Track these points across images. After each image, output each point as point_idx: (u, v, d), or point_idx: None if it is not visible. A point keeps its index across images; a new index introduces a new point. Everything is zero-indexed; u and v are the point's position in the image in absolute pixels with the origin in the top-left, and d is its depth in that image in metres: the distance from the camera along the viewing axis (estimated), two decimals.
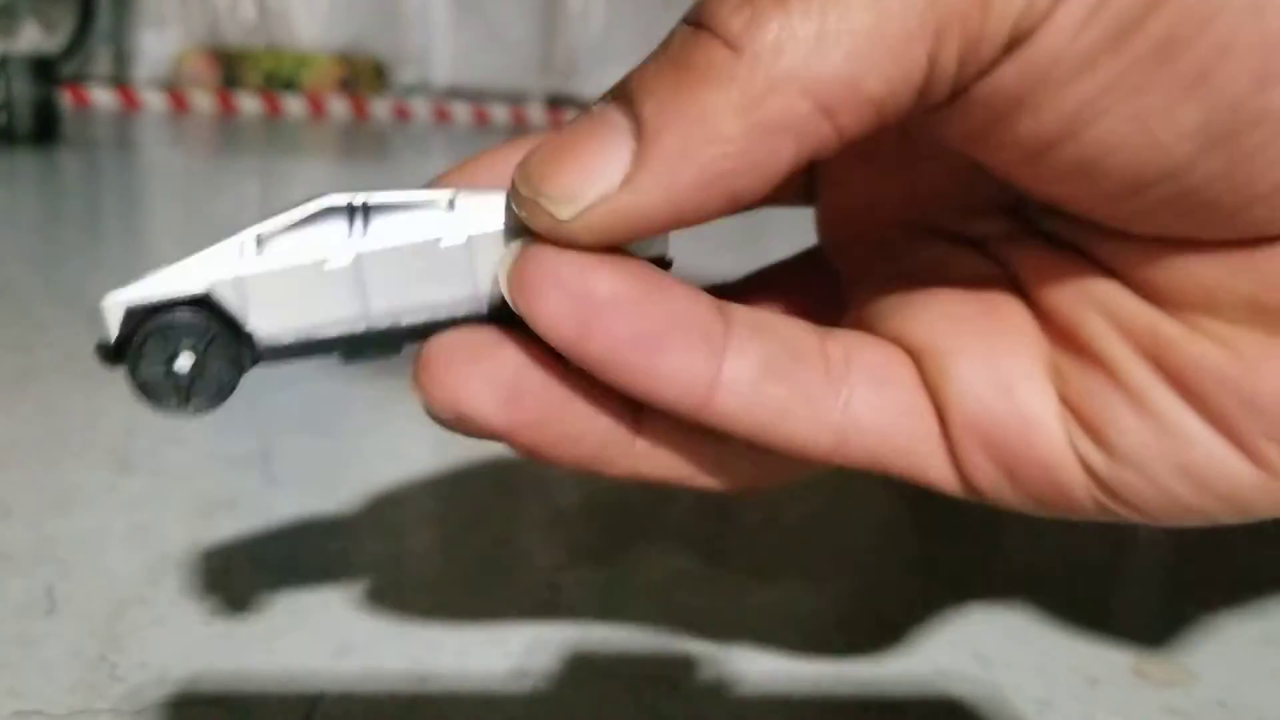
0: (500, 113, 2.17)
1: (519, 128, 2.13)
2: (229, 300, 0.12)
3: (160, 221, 0.80)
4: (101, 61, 1.96)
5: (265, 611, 0.23)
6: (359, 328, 0.12)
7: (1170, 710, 0.21)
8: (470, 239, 0.11)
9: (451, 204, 0.11)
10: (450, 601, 0.24)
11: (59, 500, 0.28)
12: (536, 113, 2.22)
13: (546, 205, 0.11)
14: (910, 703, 0.21)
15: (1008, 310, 0.14)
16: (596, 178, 0.11)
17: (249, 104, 1.98)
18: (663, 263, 0.13)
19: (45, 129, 1.13)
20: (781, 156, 0.11)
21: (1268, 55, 0.10)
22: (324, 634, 0.22)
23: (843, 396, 0.13)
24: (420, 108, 2.12)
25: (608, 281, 0.12)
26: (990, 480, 0.13)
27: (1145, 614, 0.25)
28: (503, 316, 0.12)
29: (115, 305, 0.12)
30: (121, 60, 2.00)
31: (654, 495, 0.29)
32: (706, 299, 0.13)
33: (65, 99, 1.46)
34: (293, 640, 0.22)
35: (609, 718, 0.20)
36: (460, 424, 0.12)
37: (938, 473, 0.14)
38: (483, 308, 0.12)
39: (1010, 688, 0.22)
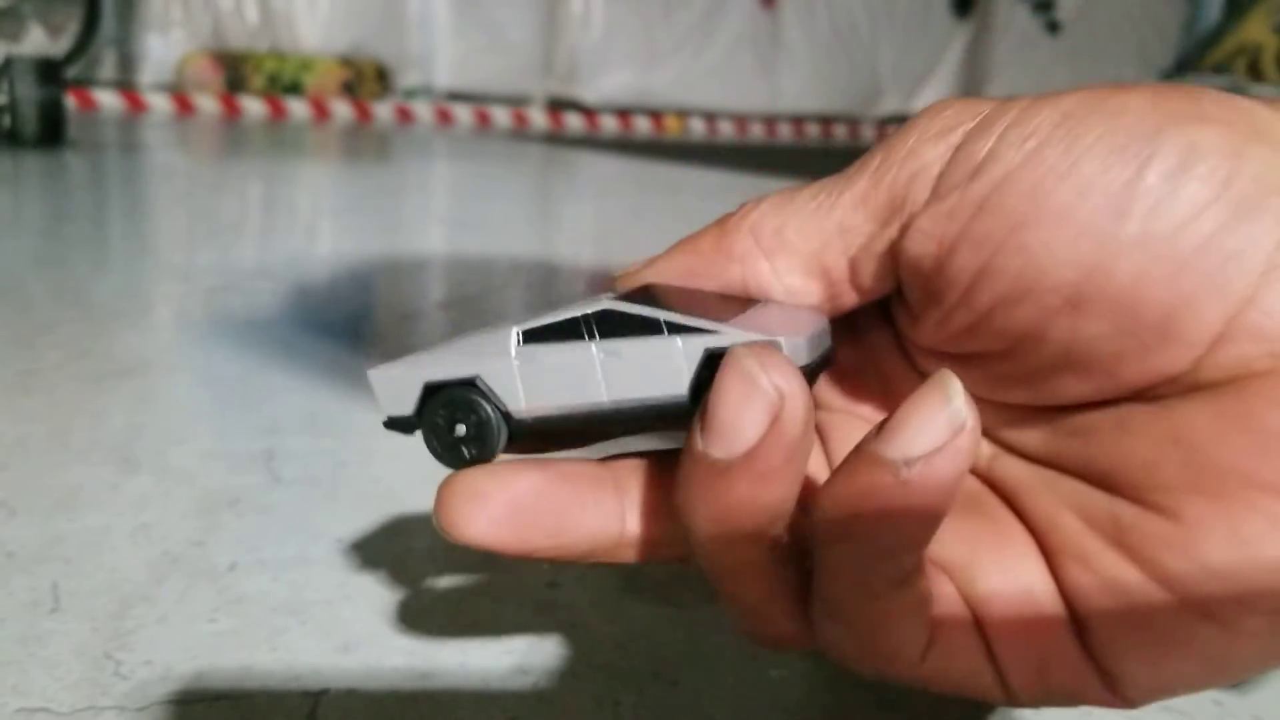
0: (502, 115, 2.18)
1: (520, 130, 2.13)
2: (494, 384, 0.15)
3: (165, 223, 0.81)
4: (106, 65, 1.97)
5: (268, 609, 0.23)
6: (594, 412, 0.15)
7: (1166, 709, 0.21)
8: (682, 352, 0.15)
9: (667, 325, 0.15)
10: (452, 599, 0.24)
11: (64, 499, 0.28)
12: (538, 115, 2.23)
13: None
14: (909, 701, 0.21)
15: (1004, 519, 0.16)
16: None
17: (253, 107, 1.98)
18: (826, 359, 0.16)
19: (51, 131, 1.13)
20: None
21: (1025, 206, 0.13)
22: (327, 631, 0.22)
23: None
24: (422, 110, 2.12)
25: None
26: (1027, 688, 0.15)
27: None
28: (691, 410, 0.15)
29: (412, 380, 0.16)
30: (126, 63, 2.00)
31: None
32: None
33: (71, 102, 1.47)
34: (296, 637, 0.22)
35: (609, 716, 0.20)
36: (474, 547, 0.15)
37: (996, 693, 0.15)
38: (684, 401, 0.15)
39: None
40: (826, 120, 2.65)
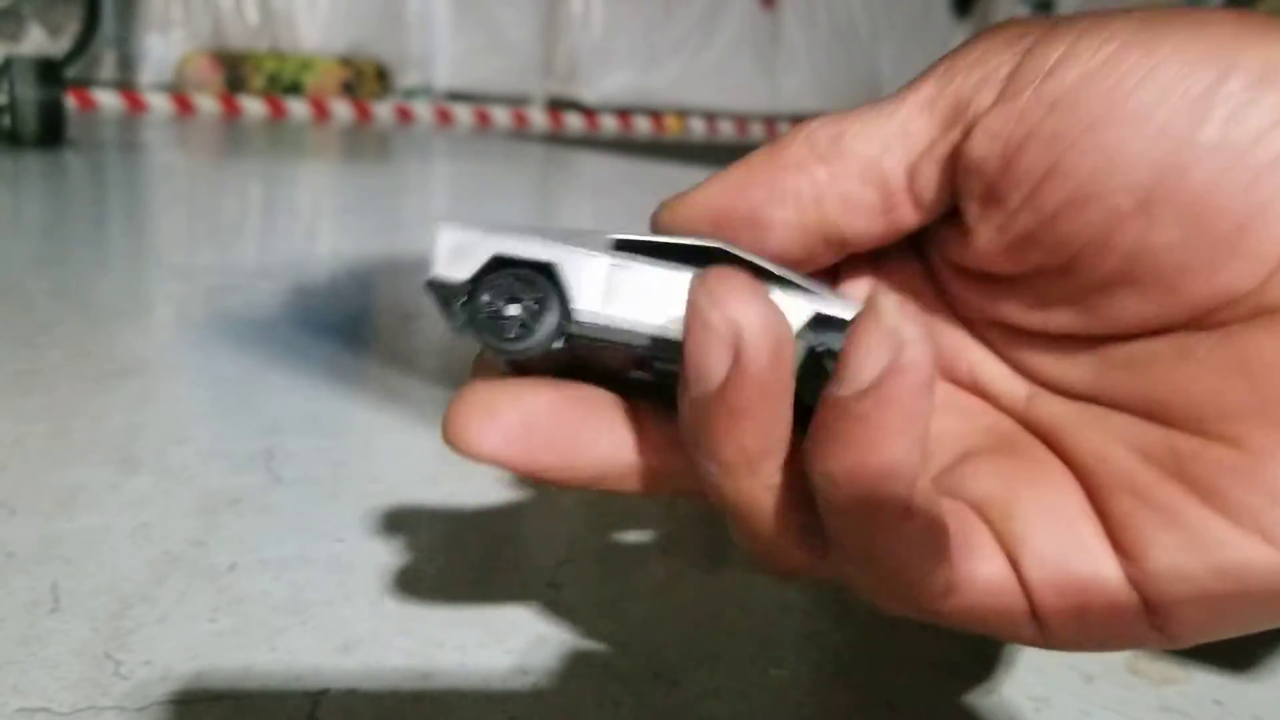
0: (501, 115, 2.18)
1: (520, 130, 2.13)
2: (572, 277, 0.14)
3: (165, 223, 0.81)
4: (106, 65, 1.97)
5: (269, 609, 0.23)
6: (659, 339, 0.14)
7: (1166, 708, 0.21)
8: (791, 303, 0.14)
9: (778, 279, 0.14)
10: (452, 599, 0.24)
11: (64, 499, 0.28)
12: (538, 115, 2.23)
13: None
14: (908, 700, 0.21)
15: (1043, 457, 0.15)
16: None
17: (253, 107, 1.98)
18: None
19: (51, 132, 1.13)
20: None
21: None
22: (327, 631, 0.22)
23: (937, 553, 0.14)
24: (422, 110, 2.12)
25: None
26: (1064, 625, 0.14)
27: None
28: None
29: (483, 247, 0.14)
30: (126, 63, 2.00)
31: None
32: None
33: (70, 102, 1.47)
34: (296, 637, 0.22)
35: (609, 716, 0.20)
36: (483, 463, 0.14)
37: (1027, 632, 0.15)
38: None
39: (1008, 685, 0.22)
40: None
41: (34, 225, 0.72)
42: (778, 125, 2.57)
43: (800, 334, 0.14)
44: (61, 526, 0.26)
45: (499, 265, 0.14)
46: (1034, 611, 0.14)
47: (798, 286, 0.14)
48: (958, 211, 0.15)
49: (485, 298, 0.14)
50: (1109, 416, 0.15)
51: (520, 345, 0.14)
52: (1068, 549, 0.14)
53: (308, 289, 0.57)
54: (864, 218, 0.15)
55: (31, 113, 1.11)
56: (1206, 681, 0.22)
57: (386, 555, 0.26)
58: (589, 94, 2.31)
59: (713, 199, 0.16)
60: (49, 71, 1.15)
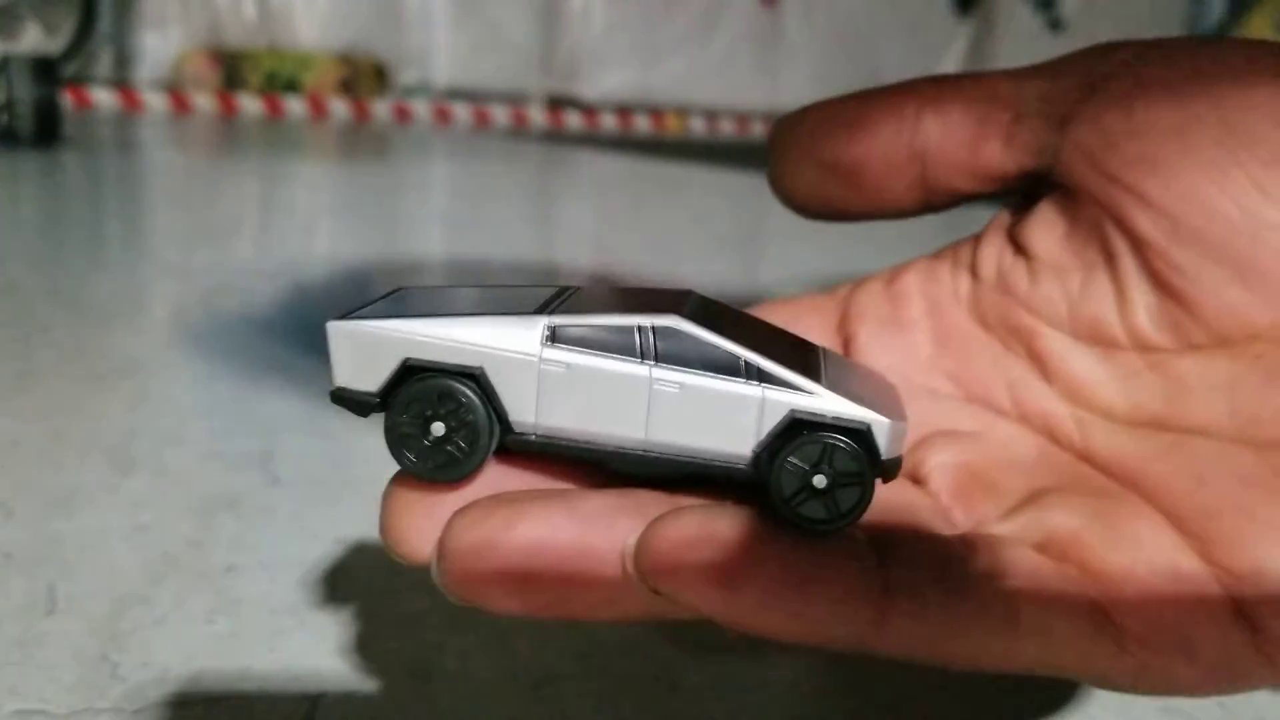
0: (501, 113, 2.17)
1: (519, 129, 2.13)
2: (502, 385, 0.12)
3: (162, 222, 0.81)
4: (103, 62, 1.97)
5: (266, 611, 0.23)
6: (621, 452, 0.12)
7: (1168, 710, 0.21)
8: (761, 407, 0.12)
9: (747, 367, 0.12)
10: (451, 601, 0.24)
11: (60, 500, 0.28)
12: (537, 114, 2.22)
13: None
14: (909, 702, 0.21)
15: (1115, 491, 0.14)
16: None
17: (250, 105, 1.98)
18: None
19: (47, 130, 1.13)
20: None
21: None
22: (325, 634, 0.22)
23: (1009, 611, 0.13)
24: (421, 109, 2.12)
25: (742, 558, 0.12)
26: (1163, 663, 0.13)
27: None
28: (757, 480, 0.12)
29: (390, 351, 0.12)
30: (123, 61, 2.00)
31: None
32: (859, 545, 0.13)
33: (67, 100, 1.47)
34: (293, 640, 0.22)
35: (609, 717, 0.20)
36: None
37: (1108, 665, 0.13)
38: (744, 466, 0.12)
39: (1009, 686, 0.22)
40: None
41: (30, 224, 0.72)
42: None
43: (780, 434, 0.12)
44: (58, 527, 0.26)
45: (411, 373, 0.12)
46: (1118, 639, 0.13)
47: (778, 381, 0.12)
48: (1042, 184, 0.15)
49: (401, 417, 0.12)
50: (1192, 444, 0.13)
51: (448, 474, 0.12)
52: (1164, 575, 0.13)
53: (305, 289, 0.57)
54: (957, 140, 0.15)
55: (28, 111, 1.11)
56: None
57: (385, 556, 0.26)
58: (589, 91, 2.31)
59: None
60: (45, 69, 1.14)
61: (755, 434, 0.12)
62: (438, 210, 1.01)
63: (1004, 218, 0.16)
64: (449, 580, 0.12)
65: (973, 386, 0.16)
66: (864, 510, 0.12)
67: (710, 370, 0.12)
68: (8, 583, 0.23)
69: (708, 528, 0.12)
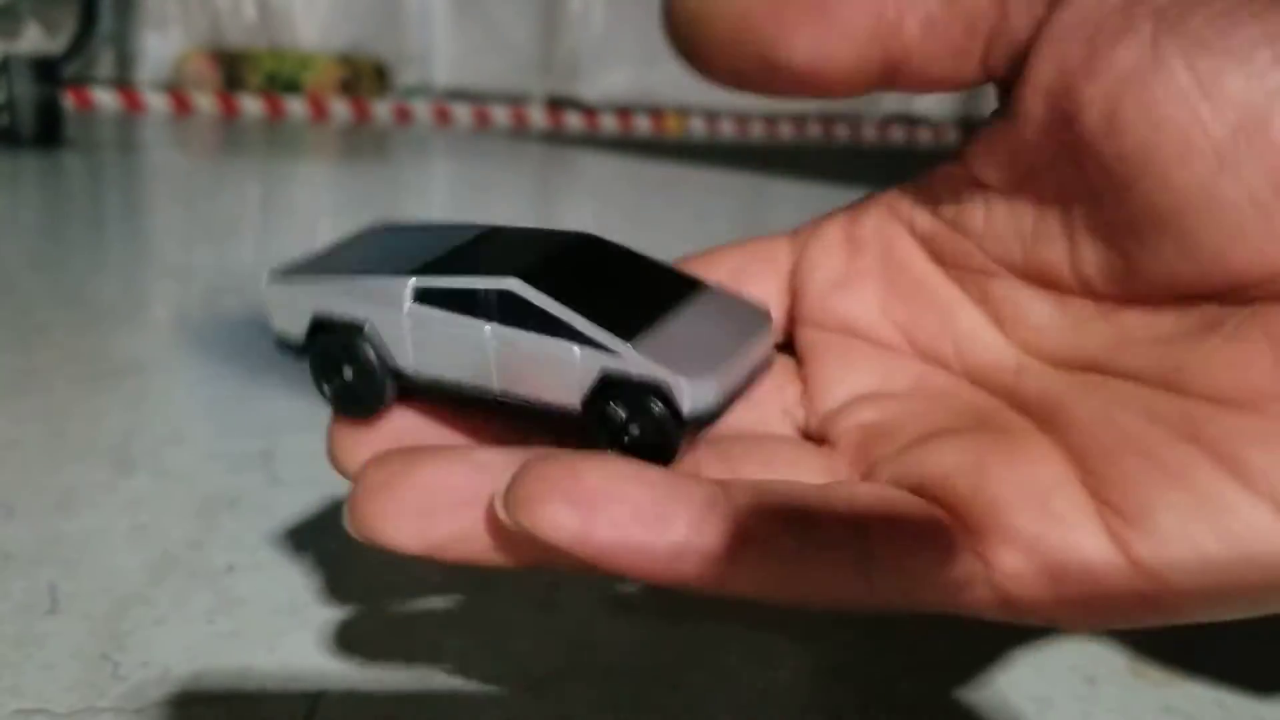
0: (501, 114, 2.17)
1: (520, 129, 2.13)
2: (384, 335, 0.14)
3: (162, 222, 0.81)
4: (104, 63, 1.97)
5: (267, 610, 0.23)
6: (484, 395, 0.14)
7: (1168, 709, 0.21)
8: (579, 365, 0.14)
9: (568, 330, 0.13)
10: (451, 600, 0.24)
11: (61, 500, 0.28)
12: (537, 114, 2.22)
13: None
14: (910, 700, 0.21)
15: (1022, 431, 0.14)
16: None
17: (251, 105, 1.98)
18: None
19: (48, 130, 1.13)
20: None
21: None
22: (325, 633, 0.22)
23: (862, 550, 0.13)
24: (421, 109, 2.12)
25: (605, 490, 0.13)
26: (1034, 598, 0.13)
27: None
28: (586, 419, 0.14)
29: (305, 305, 0.15)
30: (124, 62, 2.00)
31: None
32: (707, 483, 0.13)
33: (68, 100, 1.47)
34: (294, 639, 0.22)
35: (609, 717, 0.20)
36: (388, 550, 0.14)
37: (975, 598, 0.13)
38: (577, 411, 0.14)
39: (1009, 686, 0.22)
40: (828, 119, 2.65)
41: (31, 225, 0.72)
42: (779, 124, 2.57)
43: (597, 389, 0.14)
44: (59, 527, 0.26)
45: (321, 326, 0.14)
46: (991, 576, 0.13)
47: (591, 341, 0.13)
48: (1010, 97, 0.13)
49: (317, 362, 0.15)
50: (1113, 384, 0.13)
51: (360, 410, 0.14)
52: (1042, 518, 0.13)
53: None
54: (940, 45, 0.13)
55: (29, 111, 1.11)
56: (1209, 683, 0.22)
57: (385, 556, 0.26)
58: (589, 91, 2.31)
59: None
60: (46, 70, 1.14)
61: (580, 388, 0.13)
62: (438, 210, 1.01)
63: (970, 145, 0.15)
64: (355, 516, 0.14)
65: (919, 339, 0.16)
66: (670, 460, 0.14)
67: (540, 330, 0.13)
68: (8, 582, 0.23)
69: (570, 469, 0.13)
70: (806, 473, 0.15)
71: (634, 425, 0.14)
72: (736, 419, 0.15)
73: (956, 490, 0.13)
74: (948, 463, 0.14)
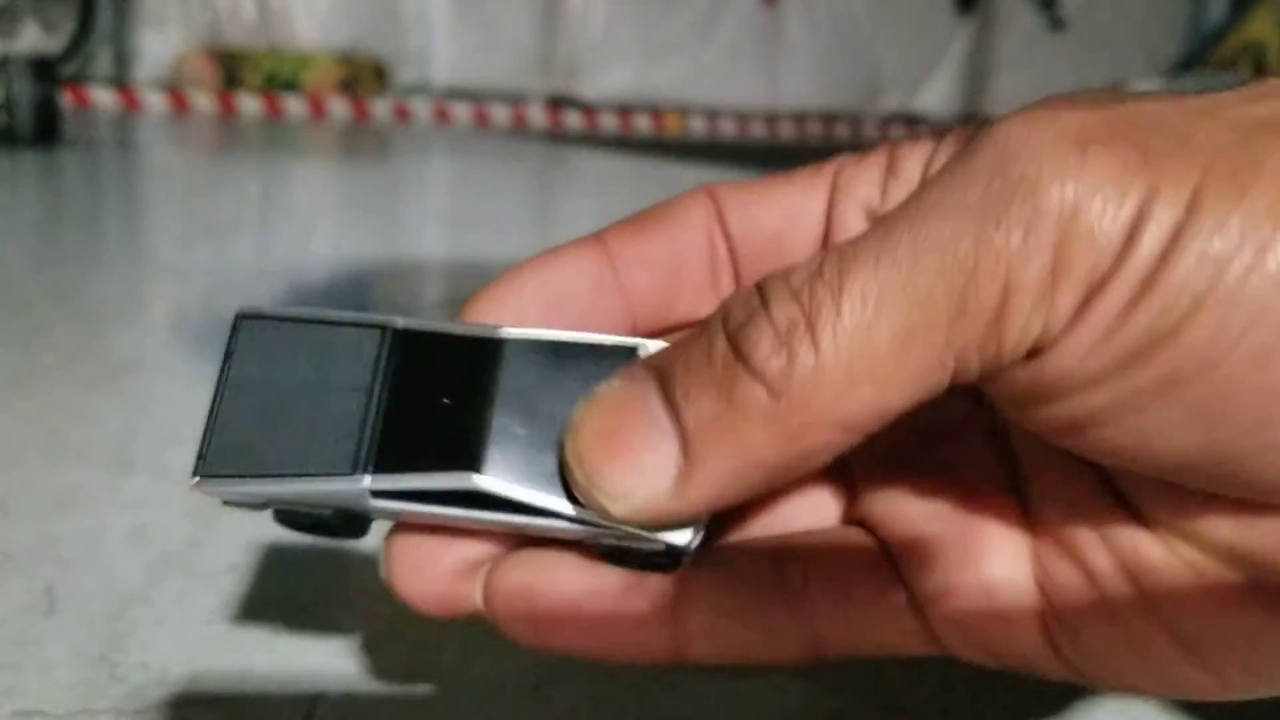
0: (500, 113, 2.17)
1: (519, 129, 2.13)
2: (351, 508, 0.14)
3: (161, 222, 0.81)
4: (102, 62, 1.97)
5: (266, 611, 0.23)
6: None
7: (1169, 709, 0.21)
8: (572, 530, 0.14)
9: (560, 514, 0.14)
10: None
11: (60, 500, 0.28)
12: (537, 113, 2.22)
13: (599, 497, 0.13)
14: (911, 701, 0.21)
15: (995, 505, 0.15)
16: (646, 481, 0.12)
17: (250, 104, 1.98)
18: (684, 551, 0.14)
19: (46, 129, 1.13)
20: (814, 465, 0.12)
21: (1269, 402, 0.11)
22: (325, 634, 0.22)
23: (805, 614, 0.14)
24: (420, 108, 2.12)
25: (553, 592, 0.14)
26: (967, 650, 0.15)
27: None
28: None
29: (250, 496, 0.15)
30: (122, 61, 2.00)
31: None
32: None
33: (66, 99, 1.47)
34: (293, 640, 0.22)
35: (609, 717, 0.20)
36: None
37: (913, 647, 0.15)
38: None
39: (1009, 685, 0.22)
40: (829, 118, 2.65)
41: (29, 225, 0.72)
42: (779, 123, 2.57)
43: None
44: (58, 528, 0.26)
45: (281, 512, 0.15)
46: (925, 628, 0.14)
47: (579, 520, 0.13)
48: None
49: (288, 520, 0.15)
50: (1090, 497, 0.14)
51: (346, 536, 0.15)
52: (980, 590, 0.14)
53: (305, 290, 0.56)
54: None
55: (27, 111, 1.11)
56: None
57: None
58: (589, 91, 2.31)
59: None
60: (45, 69, 1.14)
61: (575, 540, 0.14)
62: (438, 210, 1.01)
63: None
64: (500, 618, 0.15)
65: None
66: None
67: (515, 512, 0.14)
68: (7, 583, 0.23)
69: (527, 581, 0.14)
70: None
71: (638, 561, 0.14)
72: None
73: (905, 559, 0.15)
74: (906, 528, 0.15)
